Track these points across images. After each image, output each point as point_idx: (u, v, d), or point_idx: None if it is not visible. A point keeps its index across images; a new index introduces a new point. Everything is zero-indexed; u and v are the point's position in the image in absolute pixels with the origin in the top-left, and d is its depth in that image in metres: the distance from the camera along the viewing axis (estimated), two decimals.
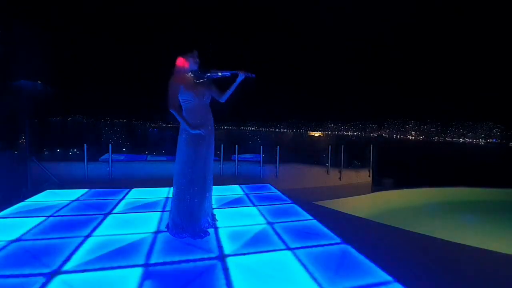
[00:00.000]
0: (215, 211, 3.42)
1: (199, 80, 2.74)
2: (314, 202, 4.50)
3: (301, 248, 2.44)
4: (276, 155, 6.23)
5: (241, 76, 2.79)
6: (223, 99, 2.90)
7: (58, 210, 3.32)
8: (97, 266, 2.04)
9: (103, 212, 3.27)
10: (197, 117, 2.67)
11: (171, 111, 2.59)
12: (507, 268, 2.44)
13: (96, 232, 2.67)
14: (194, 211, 2.62)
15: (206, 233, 2.64)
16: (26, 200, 3.70)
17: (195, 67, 2.76)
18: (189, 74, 2.74)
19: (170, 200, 3.86)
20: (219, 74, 2.77)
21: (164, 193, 4.19)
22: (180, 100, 2.67)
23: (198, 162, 2.64)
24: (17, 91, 4.63)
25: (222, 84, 2.88)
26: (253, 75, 2.81)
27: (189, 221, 2.59)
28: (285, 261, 2.20)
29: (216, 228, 2.84)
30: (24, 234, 2.60)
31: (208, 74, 2.75)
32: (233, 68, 2.80)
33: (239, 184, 5.03)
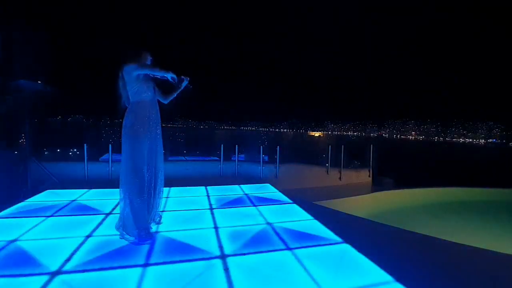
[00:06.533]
0: (216, 211, 3.43)
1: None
2: (314, 202, 4.49)
3: (301, 248, 2.44)
4: (276, 155, 6.24)
5: (185, 82, 2.78)
6: (166, 100, 2.91)
7: (58, 210, 3.32)
8: (97, 266, 2.04)
9: (103, 212, 3.27)
10: (146, 111, 2.58)
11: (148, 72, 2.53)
12: (507, 268, 2.44)
13: (96, 232, 2.67)
14: (139, 212, 2.47)
15: (151, 237, 2.49)
16: (26, 200, 3.70)
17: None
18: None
19: (169, 199, 3.88)
20: (160, 75, 2.60)
21: (164, 193, 4.17)
22: (130, 92, 2.56)
23: (139, 159, 2.50)
24: (17, 91, 4.63)
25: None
26: (190, 86, 2.85)
27: (134, 223, 2.45)
28: (285, 261, 2.20)
29: (216, 228, 2.84)
30: (24, 234, 2.60)
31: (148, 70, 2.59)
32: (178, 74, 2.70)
33: (239, 184, 5.03)
